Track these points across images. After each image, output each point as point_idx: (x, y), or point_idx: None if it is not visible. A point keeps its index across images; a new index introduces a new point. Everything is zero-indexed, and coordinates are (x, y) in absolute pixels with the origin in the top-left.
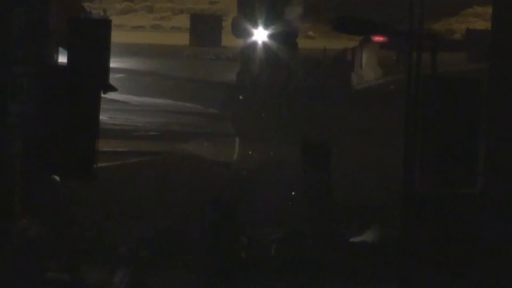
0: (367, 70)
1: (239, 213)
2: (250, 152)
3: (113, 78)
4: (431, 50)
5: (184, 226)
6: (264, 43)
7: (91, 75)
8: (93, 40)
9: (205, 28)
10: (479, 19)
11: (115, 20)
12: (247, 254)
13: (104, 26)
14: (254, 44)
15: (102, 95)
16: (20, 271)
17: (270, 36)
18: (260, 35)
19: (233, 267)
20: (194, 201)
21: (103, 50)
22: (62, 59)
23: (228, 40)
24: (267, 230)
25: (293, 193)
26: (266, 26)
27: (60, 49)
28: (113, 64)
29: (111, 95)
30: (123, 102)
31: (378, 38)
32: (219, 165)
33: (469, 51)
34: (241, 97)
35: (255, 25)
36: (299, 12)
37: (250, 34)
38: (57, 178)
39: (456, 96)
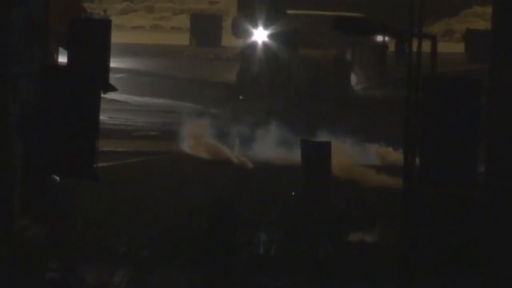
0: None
1: (238, 213)
2: (250, 152)
3: (113, 78)
4: (431, 50)
5: (184, 226)
6: (264, 43)
7: (91, 75)
8: (93, 40)
9: (205, 28)
10: (479, 19)
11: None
12: (247, 254)
13: (104, 26)
14: (254, 44)
15: (102, 95)
16: (20, 271)
17: (270, 36)
18: (260, 35)
19: (233, 266)
20: (193, 201)
21: (103, 50)
22: (62, 59)
23: (228, 40)
24: (267, 230)
25: (293, 193)
26: (266, 26)
27: (60, 49)
28: (113, 64)
29: (111, 95)
30: (123, 102)
31: None
32: (219, 165)
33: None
34: (241, 97)
35: (255, 25)
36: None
37: (250, 34)
38: (57, 178)
39: (456, 96)
